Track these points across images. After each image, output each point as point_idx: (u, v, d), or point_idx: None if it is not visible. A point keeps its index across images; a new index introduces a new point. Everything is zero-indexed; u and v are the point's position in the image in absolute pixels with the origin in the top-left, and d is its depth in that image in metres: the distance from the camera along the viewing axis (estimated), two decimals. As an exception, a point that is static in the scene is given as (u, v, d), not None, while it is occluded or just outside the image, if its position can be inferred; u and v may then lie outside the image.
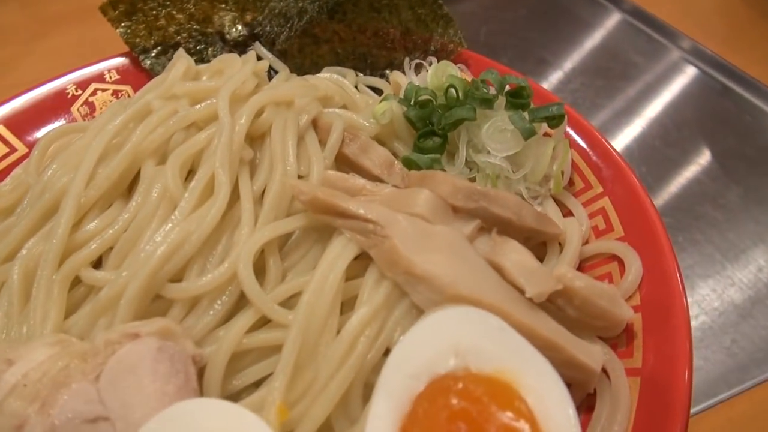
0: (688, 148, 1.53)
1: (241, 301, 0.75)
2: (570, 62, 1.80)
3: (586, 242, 0.86)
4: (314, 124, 0.93)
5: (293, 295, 0.74)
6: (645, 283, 0.76)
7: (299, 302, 0.69)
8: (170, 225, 0.76)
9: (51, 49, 1.89)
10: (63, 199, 0.81)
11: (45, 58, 1.84)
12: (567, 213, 0.90)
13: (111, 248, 0.80)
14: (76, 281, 0.78)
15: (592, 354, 0.68)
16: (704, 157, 1.51)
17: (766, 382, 1.06)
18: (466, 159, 0.93)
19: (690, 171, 1.48)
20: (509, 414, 0.57)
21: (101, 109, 1.20)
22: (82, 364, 0.64)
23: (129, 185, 0.88)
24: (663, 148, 1.53)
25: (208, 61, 1.20)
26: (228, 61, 0.98)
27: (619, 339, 0.74)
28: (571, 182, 0.94)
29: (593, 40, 1.88)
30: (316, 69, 1.18)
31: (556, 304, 0.73)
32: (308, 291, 0.69)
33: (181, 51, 1.05)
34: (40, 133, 1.13)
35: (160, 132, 0.87)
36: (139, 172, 0.87)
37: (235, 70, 0.95)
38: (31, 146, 1.12)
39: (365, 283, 0.72)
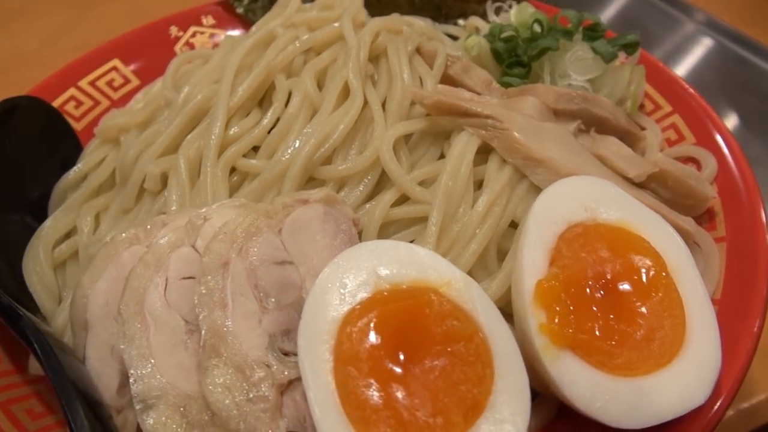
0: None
1: (379, 185, 0.87)
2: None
3: (661, 150, 0.99)
4: (418, 51, 1.05)
5: (423, 180, 0.86)
6: (720, 175, 0.89)
7: (438, 183, 0.82)
8: (317, 121, 0.88)
9: (102, 17, 1.97)
10: (213, 105, 0.93)
11: (96, 25, 1.92)
12: (641, 129, 1.04)
13: (254, 147, 0.92)
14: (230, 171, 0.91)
15: (686, 220, 0.82)
16: (728, 117, 1.65)
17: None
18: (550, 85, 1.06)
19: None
20: (637, 249, 0.70)
21: (202, 48, 1.32)
22: (267, 219, 0.76)
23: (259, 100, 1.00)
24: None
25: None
26: (339, -4, 1.11)
27: (702, 218, 0.87)
28: (641, 106, 1.07)
29: (611, 14, 1.98)
30: (394, 18, 1.30)
31: (649, 188, 0.86)
32: (445, 173, 0.82)
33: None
34: (149, 68, 1.25)
35: (290, 50, 0.99)
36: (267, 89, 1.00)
37: (346, 3, 1.07)
38: (142, 78, 1.24)
39: (489, 168, 0.85)
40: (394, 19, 1.06)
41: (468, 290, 0.66)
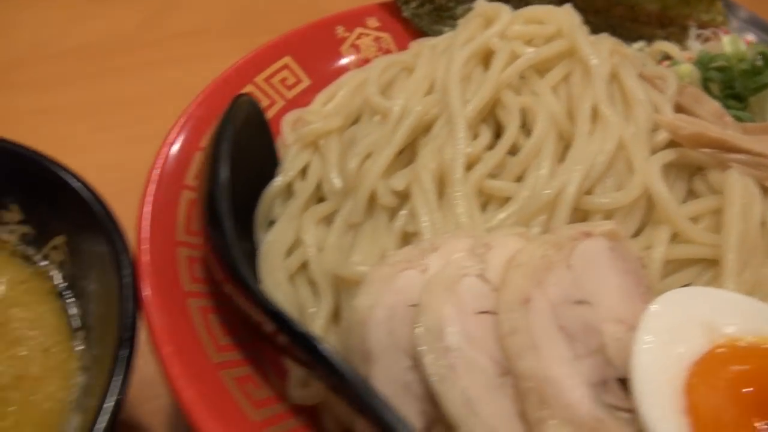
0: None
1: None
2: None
3: None
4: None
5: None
6: None
7: (729, 223, 0.75)
8: (577, 147, 0.83)
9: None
10: (452, 118, 0.87)
11: (196, 8, 1.82)
12: None
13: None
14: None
15: None
16: None
17: None
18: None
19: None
20: None
21: (365, 51, 1.26)
22: (557, 253, 0.70)
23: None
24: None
25: (456, 17, 1.29)
26: (550, 12, 1.04)
27: None
28: None
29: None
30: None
31: None
32: (735, 214, 0.76)
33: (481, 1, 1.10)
34: (319, 68, 1.18)
35: (519, 64, 0.94)
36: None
37: (562, 21, 1.01)
38: (313, 78, 1.18)
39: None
40: (614, 40, 1.01)
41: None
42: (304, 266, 0.82)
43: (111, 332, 0.69)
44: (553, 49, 0.95)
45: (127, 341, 0.65)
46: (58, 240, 0.85)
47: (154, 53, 1.66)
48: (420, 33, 1.30)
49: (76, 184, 0.82)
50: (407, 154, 0.92)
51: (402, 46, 1.25)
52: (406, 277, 0.70)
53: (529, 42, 1.00)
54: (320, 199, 0.92)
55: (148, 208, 0.81)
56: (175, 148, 0.92)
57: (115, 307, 0.70)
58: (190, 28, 1.77)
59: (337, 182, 0.90)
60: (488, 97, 0.90)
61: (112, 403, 0.60)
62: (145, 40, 1.72)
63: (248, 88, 1.10)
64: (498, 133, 0.91)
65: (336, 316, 0.77)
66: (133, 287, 0.70)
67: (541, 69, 0.96)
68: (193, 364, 0.65)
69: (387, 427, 0.56)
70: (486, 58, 0.99)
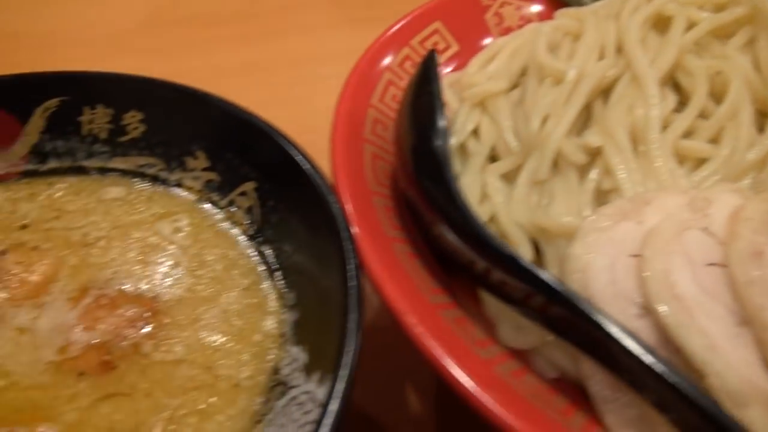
0: None
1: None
2: None
3: None
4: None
5: None
6: None
7: None
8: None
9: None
10: (639, 78, 0.86)
11: None
12: None
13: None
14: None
15: None
16: None
17: None
18: None
19: None
20: None
21: (508, 20, 1.25)
22: (781, 210, 0.69)
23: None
24: None
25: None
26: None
27: None
28: None
29: None
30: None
31: None
32: None
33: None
34: (466, 34, 1.19)
35: (700, 29, 0.92)
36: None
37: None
38: (462, 44, 1.19)
39: None
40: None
41: None
42: (491, 220, 0.83)
43: (325, 269, 0.71)
44: (734, 15, 0.93)
45: (353, 276, 0.67)
46: (247, 186, 0.87)
47: (262, 24, 1.70)
48: (559, 4, 1.29)
49: (270, 131, 0.84)
50: (580, 116, 0.92)
51: (544, 16, 1.25)
52: (623, 228, 0.69)
53: (700, 8, 0.99)
54: (492, 159, 0.93)
55: (341, 161, 0.83)
56: (350, 105, 0.94)
57: (327, 247, 0.72)
58: (291, 1, 1.80)
59: (513, 142, 0.90)
60: (672, 60, 0.89)
61: (353, 332, 0.61)
62: (253, 11, 1.76)
63: (405, 51, 1.11)
64: (679, 98, 0.90)
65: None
66: (347, 227, 0.71)
67: (719, 35, 0.95)
68: (415, 301, 0.66)
69: (633, 356, 0.57)
70: (658, 24, 0.97)
